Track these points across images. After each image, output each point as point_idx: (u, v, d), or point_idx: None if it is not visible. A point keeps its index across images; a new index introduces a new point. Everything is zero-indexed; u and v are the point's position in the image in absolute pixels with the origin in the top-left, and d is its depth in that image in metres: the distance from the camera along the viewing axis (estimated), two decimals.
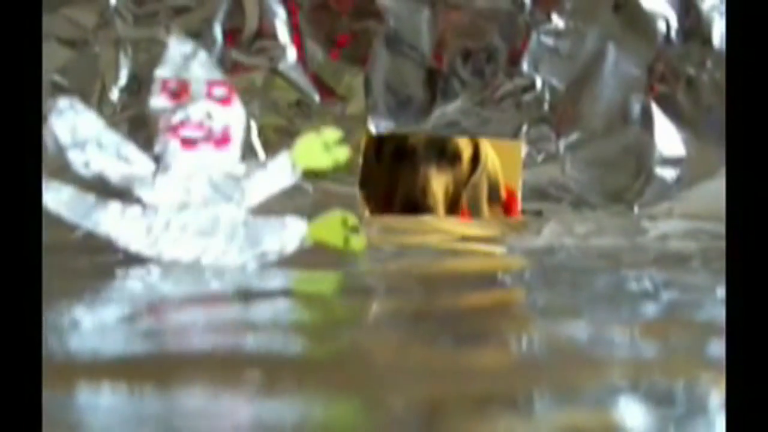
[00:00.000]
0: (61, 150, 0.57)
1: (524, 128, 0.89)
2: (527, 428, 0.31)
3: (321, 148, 0.59)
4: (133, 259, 0.58)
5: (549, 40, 0.90)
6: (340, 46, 0.90)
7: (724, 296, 0.53)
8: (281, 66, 0.89)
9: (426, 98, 0.90)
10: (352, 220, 0.59)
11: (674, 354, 0.41)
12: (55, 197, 0.56)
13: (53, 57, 0.86)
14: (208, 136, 0.58)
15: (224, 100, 0.59)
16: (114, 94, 0.87)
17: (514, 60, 0.90)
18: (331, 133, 0.60)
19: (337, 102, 0.89)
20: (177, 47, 0.60)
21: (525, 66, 0.90)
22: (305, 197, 0.60)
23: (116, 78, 0.88)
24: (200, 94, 0.59)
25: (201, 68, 0.60)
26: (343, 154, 0.59)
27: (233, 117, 0.59)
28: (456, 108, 0.90)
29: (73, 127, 0.56)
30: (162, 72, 0.60)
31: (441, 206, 0.97)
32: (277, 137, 0.87)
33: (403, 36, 0.90)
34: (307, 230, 0.59)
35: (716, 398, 0.34)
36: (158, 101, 0.59)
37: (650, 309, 0.53)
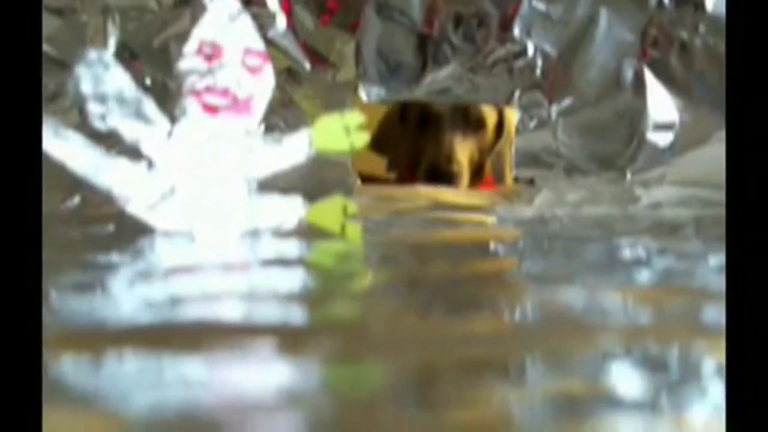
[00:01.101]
0: (81, 100, 0.56)
1: (516, 94, 0.89)
2: (520, 395, 0.31)
3: (341, 131, 0.59)
4: (127, 230, 0.58)
5: (541, 5, 0.90)
6: (331, 13, 0.89)
7: (716, 263, 0.53)
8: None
9: (417, 64, 0.90)
10: (352, 207, 0.59)
11: (668, 321, 0.41)
12: (64, 146, 0.56)
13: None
14: (231, 105, 0.58)
15: (255, 70, 0.58)
16: None
17: (506, 25, 0.90)
18: (354, 118, 0.59)
19: (328, 69, 0.89)
20: (222, 6, 0.59)
21: (517, 31, 0.89)
22: (301, 166, 0.60)
23: (104, 47, 0.87)
24: (234, 60, 0.58)
25: (241, 34, 0.59)
26: (361, 139, 0.59)
27: (260, 88, 0.59)
28: (447, 74, 0.90)
29: (97, 79, 0.56)
30: (200, 32, 0.58)
31: (466, 174, 0.98)
32: (268, 105, 0.86)
33: (394, 2, 0.90)
34: (305, 213, 0.59)
35: (710, 365, 0.34)
36: (189, 62, 0.58)
37: (644, 276, 0.53)
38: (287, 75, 0.89)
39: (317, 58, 0.89)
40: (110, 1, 0.88)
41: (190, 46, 0.58)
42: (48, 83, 0.81)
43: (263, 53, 0.59)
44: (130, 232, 0.57)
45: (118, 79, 0.56)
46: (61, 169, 0.56)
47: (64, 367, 0.33)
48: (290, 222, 0.59)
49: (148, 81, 0.86)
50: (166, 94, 0.61)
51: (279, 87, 0.89)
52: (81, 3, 0.88)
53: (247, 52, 0.58)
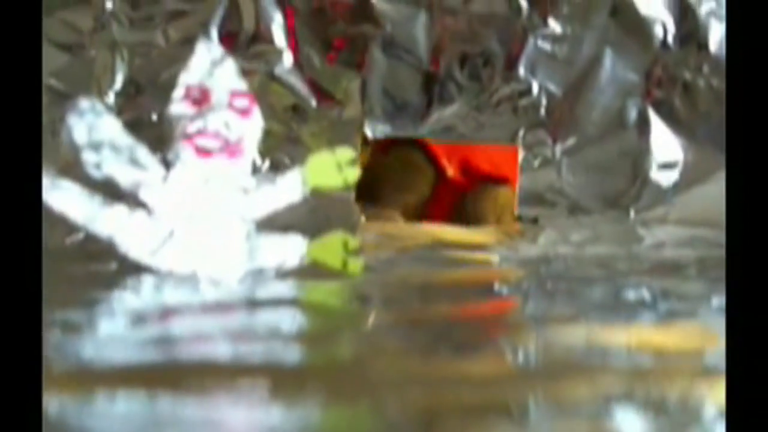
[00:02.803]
0: (75, 150, 0.56)
1: (521, 133, 0.89)
2: None
3: (334, 167, 0.59)
4: (130, 268, 0.58)
5: (546, 45, 0.90)
6: (337, 51, 0.90)
7: (719, 305, 0.53)
8: (278, 70, 0.89)
9: (423, 102, 0.90)
10: (353, 242, 0.59)
11: (670, 363, 0.41)
12: (63, 196, 0.56)
13: (49, 60, 0.86)
14: (223, 147, 0.58)
15: (244, 112, 0.59)
16: (110, 99, 0.87)
17: (511, 64, 0.90)
18: (346, 153, 0.59)
19: (334, 106, 0.89)
20: (205, 53, 0.59)
21: (522, 70, 0.90)
22: (302, 204, 0.60)
23: (112, 82, 0.88)
24: (221, 103, 0.59)
25: (226, 77, 0.59)
26: (353, 174, 0.59)
27: (249, 129, 0.59)
28: (453, 112, 0.90)
29: (90, 127, 0.56)
30: (187, 77, 0.59)
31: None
32: (274, 142, 0.87)
33: (400, 40, 0.90)
34: (306, 250, 0.59)
35: (712, 408, 0.34)
36: (179, 107, 0.58)
37: (646, 318, 0.52)
38: (293, 112, 0.89)
39: (323, 95, 0.90)
40: (118, 37, 0.88)
41: (178, 92, 0.59)
42: (55, 116, 0.81)
43: (250, 94, 0.60)
44: (133, 271, 0.58)
45: (111, 127, 0.57)
46: (61, 217, 0.56)
47: (54, 407, 0.33)
48: (293, 260, 0.59)
49: (153, 117, 0.86)
50: (150, 139, 0.61)
51: (285, 124, 0.90)
52: (90, 38, 0.88)
53: (234, 94, 0.59)
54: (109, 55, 0.88)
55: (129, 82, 0.88)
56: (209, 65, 0.59)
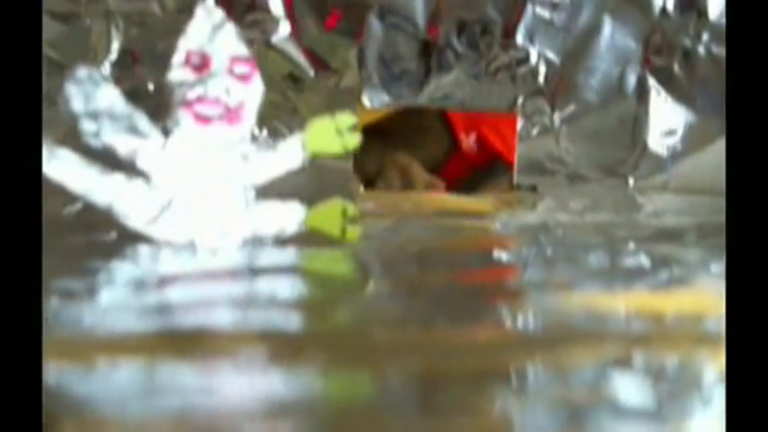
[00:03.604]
0: (73, 118, 0.56)
1: (519, 101, 0.89)
2: (522, 403, 0.31)
3: (334, 133, 0.59)
4: (128, 237, 0.58)
5: (544, 13, 0.90)
6: (334, 19, 0.90)
7: (718, 271, 0.53)
8: (274, 39, 0.89)
9: (420, 71, 0.90)
10: (351, 210, 0.59)
11: (669, 329, 0.41)
12: (61, 166, 0.56)
13: (44, 30, 0.85)
14: (223, 114, 0.57)
15: (244, 77, 0.58)
16: (106, 68, 0.87)
17: (509, 32, 0.90)
18: (346, 119, 0.59)
19: (331, 75, 0.89)
20: (205, 17, 0.59)
21: (520, 38, 0.90)
22: (300, 172, 0.60)
23: (108, 51, 0.87)
24: (221, 69, 0.58)
25: (226, 42, 0.59)
26: (354, 140, 0.59)
27: (250, 95, 0.59)
28: (451, 80, 0.90)
29: (88, 96, 0.56)
30: (186, 43, 0.58)
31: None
32: (271, 112, 0.86)
33: (397, 8, 0.90)
34: (305, 217, 0.59)
35: (712, 373, 0.34)
36: (178, 74, 0.58)
37: (645, 284, 0.53)
38: (290, 81, 0.89)
39: (320, 64, 0.89)
40: (113, 6, 0.88)
41: (178, 57, 0.58)
42: (51, 86, 0.81)
43: (251, 60, 0.59)
44: (132, 240, 0.57)
45: (109, 95, 0.56)
46: (60, 187, 0.56)
47: (55, 375, 0.33)
48: (291, 228, 0.59)
49: (150, 86, 0.86)
50: (149, 107, 0.61)
51: (282, 93, 0.89)
52: (85, 8, 0.88)
53: (235, 60, 0.58)
54: (105, 24, 0.88)
55: (125, 51, 0.88)
56: (210, 30, 0.58)
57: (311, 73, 0.89)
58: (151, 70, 0.86)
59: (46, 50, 0.87)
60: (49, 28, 0.87)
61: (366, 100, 0.89)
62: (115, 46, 0.88)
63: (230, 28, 0.59)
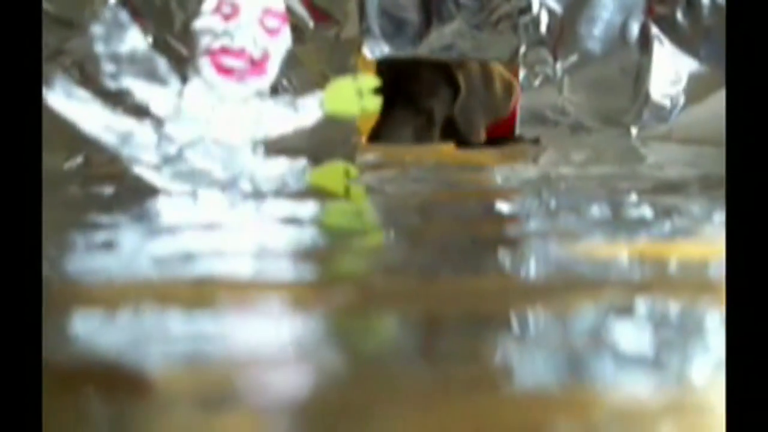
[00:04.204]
0: (95, 59, 0.56)
1: (521, 51, 0.89)
2: (523, 349, 0.31)
3: (354, 94, 0.58)
4: (128, 189, 0.58)
5: None
6: None
7: (721, 221, 0.53)
8: None
9: (421, 21, 0.89)
10: (353, 171, 0.59)
11: (672, 277, 0.41)
12: (76, 105, 0.56)
13: None
14: (246, 66, 0.57)
15: (273, 31, 0.58)
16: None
17: None
18: (368, 81, 0.59)
19: (332, 26, 0.88)
20: None
21: None
22: (306, 127, 0.60)
23: (105, 5, 0.87)
24: (251, 20, 0.57)
25: None
26: (373, 103, 0.58)
27: (275, 48, 0.58)
28: (452, 31, 0.89)
29: (112, 37, 0.56)
30: None
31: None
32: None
33: None
34: (308, 176, 0.59)
35: (713, 320, 0.34)
36: (206, 21, 0.57)
37: (648, 234, 0.52)
38: (292, 33, 0.88)
39: (321, 15, 0.88)
40: None
41: (209, 5, 0.58)
42: (49, 41, 0.80)
43: (283, 14, 0.58)
44: (132, 193, 0.57)
45: (132, 39, 0.56)
46: (68, 128, 0.56)
47: (74, 322, 0.33)
48: (294, 185, 0.59)
49: (149, 39, 0.85)
50: (170, 54, 0.60)
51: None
52: None
53: (267, 12, 0.58)
54: None
55: (123, 4, 0.87)
56: None
57: (311, 24, 0.88)
58: (150, 24, 0.86)
59: (44, 4, 0.86)
60: None
61: (367, 51, 0.89)
62: (113, 0, 0.87)
63: None
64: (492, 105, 0.99)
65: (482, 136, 0.98)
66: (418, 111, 0.95)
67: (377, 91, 0.59)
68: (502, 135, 0.95)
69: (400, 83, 0.94)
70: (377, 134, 0.95)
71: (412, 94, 0.95)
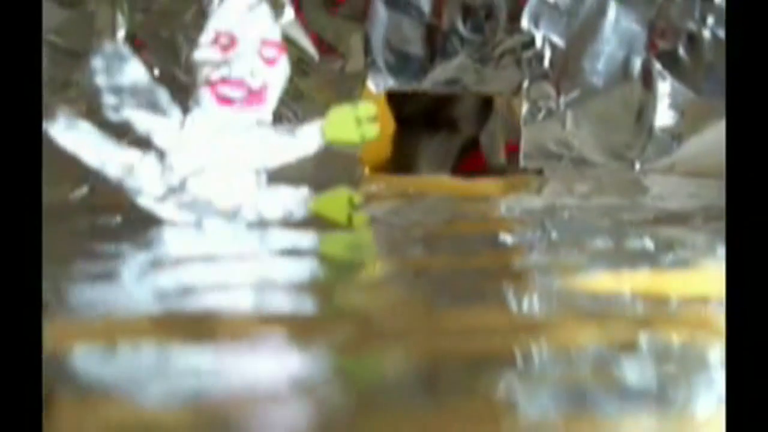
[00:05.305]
0: (95, 92, 0.56)
1: (525, 85, 0.89)
2: (527, 386, 0.31)
3: (353, 122, 0.59)
4: (134, 220, 0.58)
5: None
6: (339, 3, 0.89)
7: (724, 254, 0.53)
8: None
9: (425, 55, 0.90)
10: (358, 198, 0.59)
11: (675, 312, 0.41)
12: (78, 138, 0.56)
13: (49, 16, 0.85)
14: (245, 95, 0.58)
15: (271, 61, 0.58)
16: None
17: (514, 16, 0.89)
18: (367, 109, 0.59)
19: (337, 59, 0.89)
20: None
21: (525, 22, 0.89)
22: (310, 157, 0.60)
23: (113, 38, 0.87)
24: (250, 50, 0.58)
25: (259, 23, 0.58)
26: (372, 131, 0.59)
27: (274, 78, 0.59)
28: (456, 65, 0.90)
29: (113, 70, 0.56)
30: (217, 22, 0.58)
31: None
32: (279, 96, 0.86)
33: None
34: (312, 204, 0.59)
35: (716, 355, 0.34)
36: (205, 52, 0.58)
37: (651, 267, 0.53)
38: (296, 65, 0.89)
39: (326, 48, 0.89)
40: None
41: (206, 37, 0.58)
42: (58, 74, 0.81)
43: (280, 44, 0.59)
44: (139, 223, 0.58)
45: (134, 71, 0.57)
46: (71, 160, 0.56)
47: (74, 356, 0.33)
48: (297, 213, 0.59)
49: (156, 72, 0.86)
50: (176, 85, 0.61)
51: (288, 78, 0.89)
52: None
53: (264, 42, 0.58)
54: (110, 10, 0.88)
55: (130, 37, 0.88)
56: (244, 10, 0.58)
57: (316, 57, 0.89)
58: (157, 56, 0.86)
59: (51, 36, 0.87)
60: (54, 14, 0.87)
61: (371, 85, 0.89)
62: (121, 32, 0.88)
63: (264, 10, 0.59)
64: (512, 127, 0.98)
65: (503, 158, 0.97)
66: (461, 137, 0.96)
67: (375, 118, 0.59)
68: (474, 168, 0.95)
69: (440, 109, 0.95)
70: (412, 164, 0.95)
71: (455, 120, 0.95)
